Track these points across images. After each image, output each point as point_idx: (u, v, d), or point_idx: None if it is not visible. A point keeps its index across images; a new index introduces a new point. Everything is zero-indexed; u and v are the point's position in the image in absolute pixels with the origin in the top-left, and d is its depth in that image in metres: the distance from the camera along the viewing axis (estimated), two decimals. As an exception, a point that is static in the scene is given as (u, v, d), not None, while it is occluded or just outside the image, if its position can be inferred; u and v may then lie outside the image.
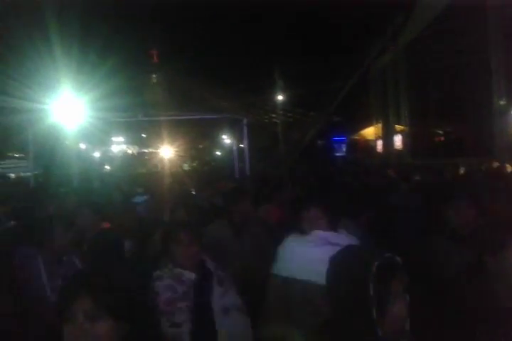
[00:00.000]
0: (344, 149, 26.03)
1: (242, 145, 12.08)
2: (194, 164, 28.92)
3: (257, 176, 9.90)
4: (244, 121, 10.78)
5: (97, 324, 1.39)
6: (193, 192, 6.47)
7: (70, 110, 9.74)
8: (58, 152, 12.54)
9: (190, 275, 2.56)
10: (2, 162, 20.01)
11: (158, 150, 25.03)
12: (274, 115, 22.15)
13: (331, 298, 1.61)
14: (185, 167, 24.37)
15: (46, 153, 12.56)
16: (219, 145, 31.22)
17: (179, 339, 2.45)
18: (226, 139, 27.93)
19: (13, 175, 16.34)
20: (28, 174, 14.34)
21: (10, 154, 23.39)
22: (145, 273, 2.58)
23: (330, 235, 2.67)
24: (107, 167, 20.81)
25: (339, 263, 1.59)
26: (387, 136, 22.48)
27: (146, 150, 32.07)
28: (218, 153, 32.38)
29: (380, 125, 23.64)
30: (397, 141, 21.30)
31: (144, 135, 27.71)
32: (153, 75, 15.08)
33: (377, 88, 23.93)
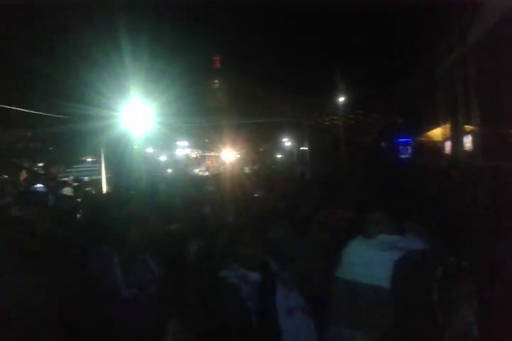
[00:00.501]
0: (410, 151, 25.17)
1: (303, 148, 12.07)
2: (255, 167, 29.21)
3: (319, 179, 9.85)
4: (305, 124, 10.77)
5: None
6: (256, 195, 6.56)
7: (139, 116, 10.22)
8: (127, 156, 13.17)
9: (255, 276, 2.62)
10: (77, 166, 21.29)
11: (221, 154, 25.52)
12: (335, 117, 21.92)
13: (396, 302, 1.59)
14: (246, 170, 24.67)
15: (117, 157, 13.23)
16: (279, 148, 31.32)
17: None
18: (286, 142, 27.96)
19: (86, 178, 17.32)
20: (101, 177, 15.17)
21: (83, 159, 24.88)
22: (211, 273, 2.67)
23: (396, 239, 2.62)
24: (170, 170, 21.51)
25: (404, 268, 1.58)
26: (456, 137, 21.50)
27: (208, 154, 32.83)
28: (279, 156, 32.47)
29: (448, 126, 22.66)
30: (467, 142, 20.30)
31: (206, 139, 28.40)
32: (216, 81, 15.46)
33: (444, 88, 22.97)
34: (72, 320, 2.27)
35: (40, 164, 26.08)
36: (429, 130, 23.96)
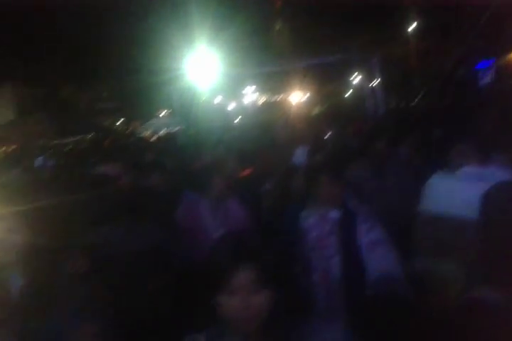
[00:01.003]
0: (492, 76, 23.05)
1: (373, 84, 11.56)
2: (325, 106, 28.55)
3: (392, 114, 9.47)
4: (375, 57, 10.24)
5: (258, 295, 1.33)
6: (329, 134, 6.49)
7: (206, 66, 10.27)
8: (198, 106, 13.42)
9: (335, 214, 2.70)
10: (152, 121, 22.12)
11: (289, 97, 25.14)
12: (406, 46, 20.50)
13: (483, 233, 1.59)
14: (316, 111, 24.21)
15: (188, 109, 13.54)
16: (349, 85, 30.19)
17: (330, 272, 2.64)
18: (356, 78, 26.84)
19: (163, 132, 18.00)
20: (176, 129, 15.73)
21: (158, 113, 25.78)
22: (292, 214, 2.78)
23: (480, 170, 2.55)
24: (240, 117, 21.69)
25: (493, 198, 1.55)
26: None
27: (277, 97, 32.50)
28: (349, 93, 31.40)
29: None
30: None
31: (274, 82, 27.99)
32: (278, 20, 14.92)
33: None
34: (172, 263, 2.47)
35: (119, 122, 27.47)
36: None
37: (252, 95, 31.75)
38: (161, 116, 26.00)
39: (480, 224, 1.61)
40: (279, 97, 31.73)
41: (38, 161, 4.14)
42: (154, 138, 15.39)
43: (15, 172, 4.60)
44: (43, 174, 4.07)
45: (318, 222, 2.70)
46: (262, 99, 33.42)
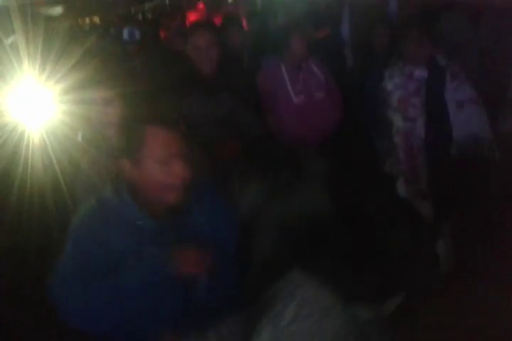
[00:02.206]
0: None
1: None
2: None
3: None
4: None
5: None
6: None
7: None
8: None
9: (422, 72, 2.57)
10: None
11: None
12: None
13: None
14: None
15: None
16: None
17: (414, 132, 2.64)
18: None
19: None
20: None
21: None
22: (377, 73, 2.69)
23: None
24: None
25: None
26: None
27: None
28: None
29: None
30: None
31: None
32: None
33: None
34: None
35: None
36: None
37: None
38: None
39: None
40: None
41: (125, 34, 4.10)
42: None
43: (102, 43, 4.64)
44: (131, 47, 4.10)
45: (403, 82, 2.61)
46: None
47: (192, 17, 6.07)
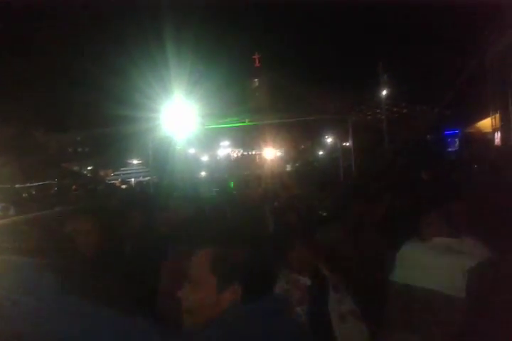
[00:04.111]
0: (457, 144, 24.17)
1: (346, 144, 11.87)
2: (297, 164, 29.01)
3: (366, 176, 9.62)
4: (349, 120, 10.59)
5: None
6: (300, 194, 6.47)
7: (182, 118, 10.36)
8: (171, 157, 13.41)
9: (305, 281, 2.57)
10: (123, 168, 21.90)
11: (262, 152, 25.55)
12: (378, 110, 21.42)
13: (470, 309, 1.51)
14: (288, 167, 24.51)
15: (160, 159, 13.50)
16: (321, 145, 31.00)
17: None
18: (328, 138, 27.64)
19: (133, 180, 17.74)
20: (147, 179, 15.55)
21: (129, 161, 25.58)
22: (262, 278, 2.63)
23: (453, 242, 2.51)
24: (203, 173, 21.66)
25: (479, 276, 1.49)
26: (506, 128, 20.47)
27: (250, 153, 32.93)
28: (321, 152, 32.15)
29: (498, 116, 21.61)
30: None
31: (248, 138, 28.48)
32: (256, 79, 15.48)
33: (494, 76, 21.93)
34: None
35: (89, 167, 27.03)
36: (478, 121, 22.91)
37: (226, 149, 32.13)
38: (134, 163, 25.81)
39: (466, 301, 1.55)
40: (253, 152, 32.19)
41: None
42: (124, 186, 15.12)
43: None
44: None
45: (287, 288, 2.56)
46: (236, 154, 33.81)
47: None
